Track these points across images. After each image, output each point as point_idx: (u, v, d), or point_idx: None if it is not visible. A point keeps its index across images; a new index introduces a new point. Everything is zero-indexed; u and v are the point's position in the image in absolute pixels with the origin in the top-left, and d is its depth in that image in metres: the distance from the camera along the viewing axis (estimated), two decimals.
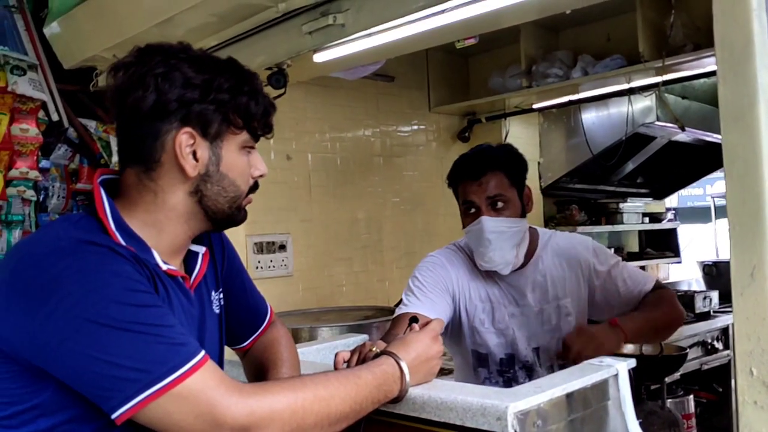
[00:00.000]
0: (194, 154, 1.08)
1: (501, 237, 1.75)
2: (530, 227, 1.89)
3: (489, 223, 1.74)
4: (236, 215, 1.16)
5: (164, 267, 1.09)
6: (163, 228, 1.11)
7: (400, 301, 1.83)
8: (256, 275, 3.26)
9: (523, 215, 1.81)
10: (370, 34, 2.22)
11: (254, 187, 1.18)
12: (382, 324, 2.77)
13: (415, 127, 4.21)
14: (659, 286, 1.87)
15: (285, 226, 3.45)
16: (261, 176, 1.18)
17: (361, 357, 1.25)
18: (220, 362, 1.27)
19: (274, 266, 3.36)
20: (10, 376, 0.98)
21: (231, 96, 1.08)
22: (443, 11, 2.02)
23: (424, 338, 1.22)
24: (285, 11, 2.06)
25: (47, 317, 0.92)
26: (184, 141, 1.07)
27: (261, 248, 3.30)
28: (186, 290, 1.15)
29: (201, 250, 1.22)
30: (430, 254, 1.92)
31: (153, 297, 1.00)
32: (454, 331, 1.88)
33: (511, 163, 1.81)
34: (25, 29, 2.59)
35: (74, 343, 0.91)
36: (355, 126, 3.87)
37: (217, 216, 1.14)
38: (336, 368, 1.28)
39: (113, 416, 0.92)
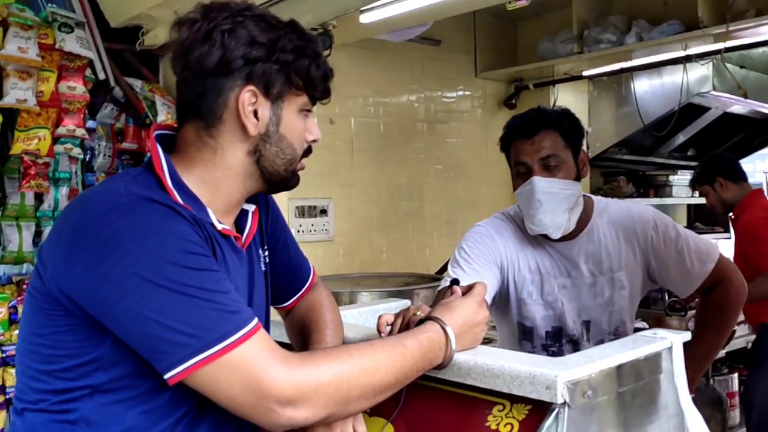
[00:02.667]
0: (255, 113, 1.07)
1: (553, 199, 1.67)
2: (585, 195, 1.81)
3: (540, 183, 1.67)
4: (290, 179, 1.16)
5: (219, 227, 1.08)
6: (219, 186, 1.10)
7: (442, 269, 1.79)
8: (298, 239, 3.19)
9: (577, 179, 1.73)
10: None
11: (308, 151, 1.17)
12: (423, 291, 2.75)
13: (461, 92, 4.13)
14: (722, 268, 1.75)
15: (327, 190, 3.44)
16: (315, 141, 1.17)
17: (404, 321, 1.22)
18: (267, 321, 1.26)
19: (315, 230, 3.36)
20: (69, 329, 0.98)
21: (294, 57, 1.07)
22: None
23: (470, 303, 1.18)
24: None
25: (106, 274, 0.92)
26: (247, 99, 1.06)
27: (303, 212, 3.30)
28: (238, 249, 1.14)
29: (251, 208, 1.21)
30: (477, 224, 1.85)
31: (210, 260, 0.99)
32: (501, 302, 1.82)
33: (567, 123, 1.73)
34: None
35: (130, 302, 0.92)
36: (399, 91, 3.81)
37: (273, 178, 1.13)
38: (379, 331, 1.25)
39: (165, 377, 0.92)
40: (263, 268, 1.24)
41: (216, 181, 1.09)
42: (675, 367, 1.21)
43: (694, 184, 3.50)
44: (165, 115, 2.72)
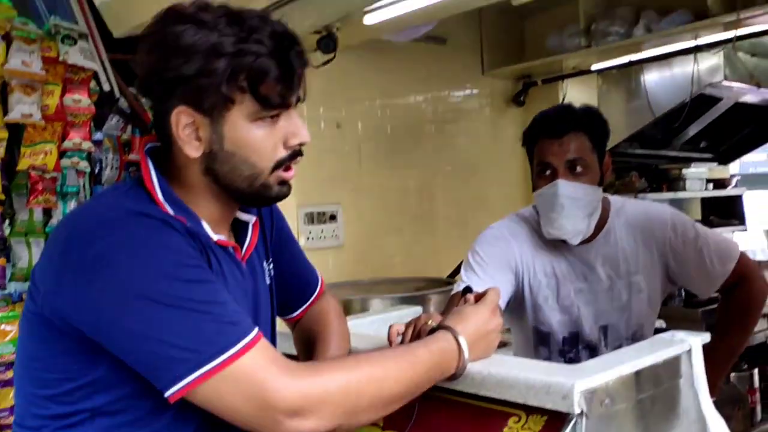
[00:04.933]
0: (195, 133, 1.00)
1: (575, 204, 1.63)
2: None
3: (565, 187, 1.61)
4: (264, 192, 1.05)
5: (215, 237, 1.05)
6: (198, 201, 1.06)
7: (454, 272, 1.76)
8: (307, 246, 3.24)
9: (600, 184, 1.69)
10: None
11: (294, 155, 1.05)
12: (435, 295, 2.72)
13: (468, 91, 4.10)
14: (744, 267, 1.71)
15: (335, 196, 3.41)
16: (301, 144, 1.05)
17: (416, 330, 1.19)
18: (273, 335, 1.23)
19: (325, 237, 3.33)
20: (64, 351, 0.96)
21: (230, 59, 0.95)
22: None
23: (482, 311, 1.15)
24: None
25: (98, 293, 0.90)
26: (182, 121, 0.98)
27: (312, 219, 3.28)
28: (238, 262, 1.11)
29: (251, 219, 1.17)
30: (491, 226, 1.81)
31: (205, 272, 0.96)
32: (516, 307, 1.78)
33: (596, 125, 1.68)
34: None
35: (124, 320, 0.89)
36: (405, 92, 3.78)
37: (239, 194, 1.06)
38: (390, 341, 1.23)
39: (165, 395, 0.89)
40: (267, 282, 1.20)
41: (195, 197, 1.06)
42: (695, 370, 1.18)
43: None
44: None
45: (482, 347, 1.12)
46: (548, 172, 1.65)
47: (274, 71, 0.97)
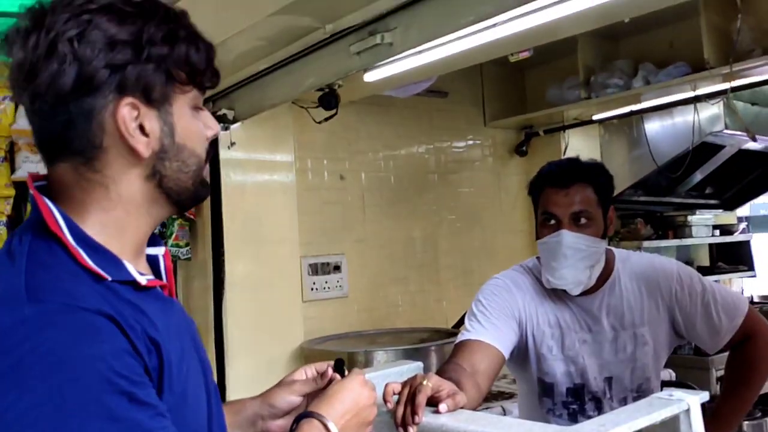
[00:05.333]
0: (142, 128, 0.87)
1: (577, 254, 1.63)
2: (606, 248, 1.77)
3: (568, 237, 1.62)
4: (200, 191, 0.97)
5: (143, 281, 0.88)
6: (123, 226, 0.90)
7: (459, 323, 1.75)
8: (311, 297, 3.25)
9: (603, 236, 1.69)
10: (419, 52, 2.19)
11: (209, 149, 0.98)
12: (439, 347, 2.70)
13: (471, 142, 4.14)
14: (752, 322, 1.69)
15: (339, 246, 3.43)
16: (215, 136, 0.98)
17: (411, 390, 1.19)
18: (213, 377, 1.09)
19: (329, 287, 3.34)
20: None
21: (169, 47, 0.87)
22: (494, 25, 1.96)
23: (351, 385, 1.07)
24: (332, 32, 2.05)
25: (5, 411, 0.74)
26: (128, 114, 0.85)
27: (315, 269, 3.28)
28: (171, 300, 0.97)
29: (160, 251, 1.01)
30: (494, 276, 1.81)
31: (142, 393, 0.79)
32: (520, 357, 1.77)
33: (602, 179, 1.69)
34: None
35: None
36: (408, 143, 3.83)
37: (182, 196, 0.94)
38: (385, 401, 1.22)
39: None
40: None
41: (119, 222, 0.89)
42: (694, 430, 1.16)
43: None
44: None
45: (355, 425, 1.05)
46: (552, 222, 1.66)
47: (204, 55, 0.92)
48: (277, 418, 1.15)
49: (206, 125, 0.95)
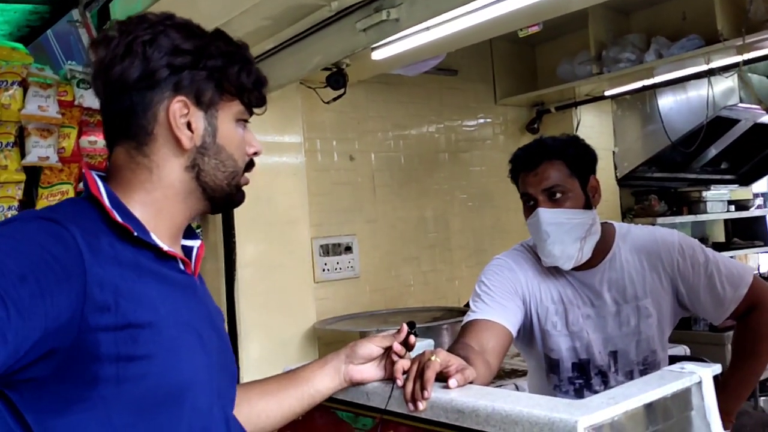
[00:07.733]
0: (189, 124, 1.02)
1: (560, 229, 1.64)
2: (606, 222, 1.77)
3: (545, 214, 1.64)
4: (235, 194, 1.10)
5: (165, 248, 1.00)
6: (161, 208, 1.04)
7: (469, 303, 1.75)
8: (323, 278, 3.25)
9: (587, 207, 1.70)
10: (426, 28, 2.17)
11: (250, 165, 1.12)
12: (452, 325, 2.70)
13: (481, 120, 4.11)
14: (757, 292, 1.67)
15: (350, 227, 3.42)
16: (256, 154, 1.12)
17: (420, 366, 1.19)
18: (231, 360, 1.16)
19: (340, 268, 3.34)
20: None
21: (223, 63, 1.04)
22: None
23: None
24: (338, 9, 2.03)
25: None
26: (178, 110, 1.01)
27: (327, 250, 3.28)
28: (189, 275, 1.07)
29: (196, 243, 1.13)
30: (496, 257, 1.83)
31: (46, 281, 0.82)
32: (526, 335, 1.78)
33: (572, 151, 1.70)
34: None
35: None
36: (418, 123, 3.81)
37: (216, 194, 1.07)
38: (395, 378, 1.22)
39: None
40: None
41: (157, 203, 1.03)
42: (706, 402, 1.15)
43: None
44: None
45: None
46: (531, 203, 1.69)
47: (254, 78, 1.07)
48: (357, 363, 1.26)
49: (249, 143, 1.10)
